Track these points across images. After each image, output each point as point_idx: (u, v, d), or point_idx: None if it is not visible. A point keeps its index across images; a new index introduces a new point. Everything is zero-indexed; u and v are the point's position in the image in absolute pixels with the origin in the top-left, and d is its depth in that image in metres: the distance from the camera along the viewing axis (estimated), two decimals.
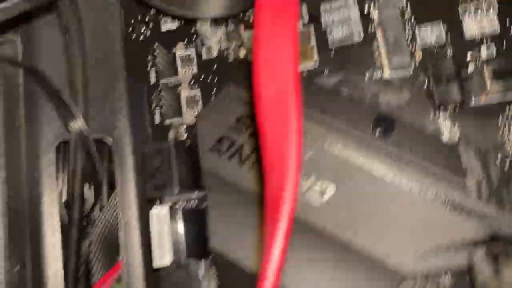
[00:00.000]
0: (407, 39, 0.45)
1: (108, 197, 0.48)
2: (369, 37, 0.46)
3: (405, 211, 0.41)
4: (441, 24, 0.44)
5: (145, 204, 0.44)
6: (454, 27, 0.44)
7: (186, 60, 0.50)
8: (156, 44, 0.50)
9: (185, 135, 0.48)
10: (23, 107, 0.47)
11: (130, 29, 0.52)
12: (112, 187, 0.47)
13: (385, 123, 0.42)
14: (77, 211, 0.45)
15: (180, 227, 0.41)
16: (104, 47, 0.51)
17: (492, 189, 0.40)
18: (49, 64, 0.47)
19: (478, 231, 0.39)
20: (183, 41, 0.50)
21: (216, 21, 0.49)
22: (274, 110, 0.24)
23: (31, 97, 0.47)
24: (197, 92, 0.49)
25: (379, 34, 0.45)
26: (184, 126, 0.48)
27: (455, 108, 0.42)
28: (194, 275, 0.42)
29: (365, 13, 0.46)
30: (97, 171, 0.46)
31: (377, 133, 0.42)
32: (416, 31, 0.45)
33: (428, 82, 0.42)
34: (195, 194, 0.44)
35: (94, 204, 0.48)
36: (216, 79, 0.48)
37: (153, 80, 0.50)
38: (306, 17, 0.48)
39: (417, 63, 0.44)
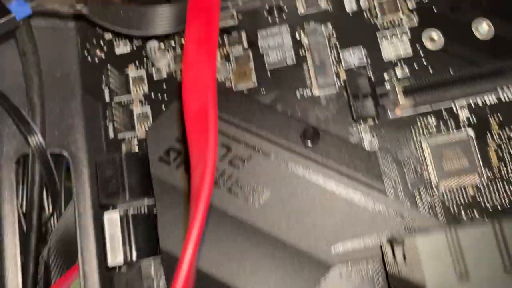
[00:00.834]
0: (332, 62, 0.51)
1: (65, 205, 0.52)
2: (300, 60, 0.52)
3: (332, 210, 0.47)
4: (362, 49, 0.51)
5: (100, 211, 0.48)
6: (374, 51, 0.51)
7: (138, 80, 0.55)
8: (109, 66, 0.55)
9: (137, 148, 0.53)
10: None
11: (86, 52, 0.57)
12: (69, 196, 0.51)
13: (312, 135, 0.48)
14: (36, 219, 0.49)
15: (131, 230, 0.46)
16: (62, 68, 0.56)
17: (407, 192, 0.47)
18: (10, 84, 0.51)
19: (393, 226, 0.45)
20: (135, 63, 0.55)
21: (165, 45, 0.54)
22: (196, 122, 0.29)
23: None
24: (147, 109, 0.54)
25: (308, 58, 0.52)
26: (136, 139, 0.53)
27: (375, 120, 0.49)
28: (145, 273, 0.47)
29: (297, 39, 0.53)
30: (54, 182, 0.49)
31: (306, 144, 0.48)
32: (341, 55, 0.52)
33: (349, 98, 0.49)
34: (146, 201, 0.49)
35: (52, 213, 0.52)
36: (165, 97, 0.54)
37: (107, 98, 0.55)
38: (245, 42, 0.54)
39: (341, 82, 0.51)
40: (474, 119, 0.48)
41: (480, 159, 0.47)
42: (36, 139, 0.48)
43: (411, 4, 0.52)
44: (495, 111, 0.48)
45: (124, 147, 0.53)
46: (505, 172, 0.47)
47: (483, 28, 0.50)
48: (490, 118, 0.48)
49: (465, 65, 0.49)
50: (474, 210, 0.46)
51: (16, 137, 0.51)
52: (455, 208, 0.46)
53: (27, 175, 0.50)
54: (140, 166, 0.49)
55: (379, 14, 0.52)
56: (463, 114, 0.48)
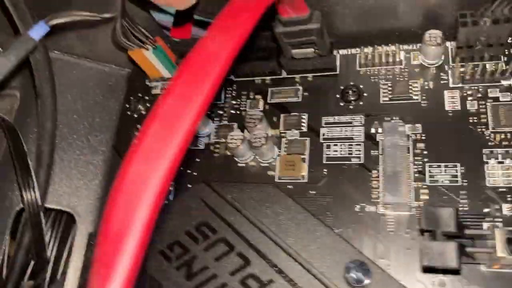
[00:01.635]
0: (412, 174, 0.38)
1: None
2: (369, 163, 0.40)
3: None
4: (458, 166, 0.37)
5: None
6: (474, 171, 0.37)
7: None
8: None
9: None
10: None
11: (128, 104, 0.49)
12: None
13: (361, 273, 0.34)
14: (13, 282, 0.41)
15: None
16: (99, 115, 0.49)
17: None
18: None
19: None
20: None
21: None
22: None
23: None
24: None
25: (380, 162, 0.39)
26: None
27: (456, 273, 0.34)
28: None
29: (371, 134, 0.40)
30: (43, 249, 0.41)
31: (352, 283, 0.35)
32: (426, 167, 0.38)
33: (422, 232, 0.35)
34: None
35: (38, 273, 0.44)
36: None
37: None
38: (305, 126, 0.43)
39: (418, 205, 0.37)
40: None
41: None
42: (32, 196, 0.40)
43: None
44: None
45: None
46: None
47: None
48: None
49: None
50: None
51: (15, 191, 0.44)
52: None
53: (17, 231, 0.43)
54: None
55: (491, 124, 0.38)
56: None
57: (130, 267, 0.18)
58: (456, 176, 0.37)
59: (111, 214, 0.19)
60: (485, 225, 0.35)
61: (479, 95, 0.39)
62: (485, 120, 0.38)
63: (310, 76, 0.45)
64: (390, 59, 0.43)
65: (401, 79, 0.42)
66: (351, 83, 0.43)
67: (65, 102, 0.48)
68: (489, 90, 0.39)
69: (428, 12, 0.42)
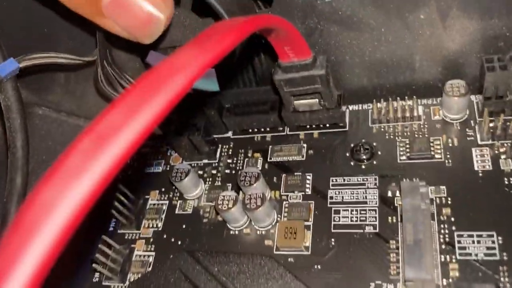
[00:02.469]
0: (438, 246, 0.31)
1: None
2: (385, 231, 0.33)
3: None
4: (495, 236, 0.30)
5: None
6: None
7: (154, 212, 0.40)
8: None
9: None
10: None
11: None
12: None
13: None
14: None
15: None
16: None
17: None
18: None
19: None
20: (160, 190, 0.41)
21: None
22: None
23: None
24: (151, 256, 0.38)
25: (398, 230, 0.32)
26: None
27: None
28: None
29: (387, 198, 0.34)
30: None
31: None
32: (455, 237, 0.31)
33: None
34: None
35: None
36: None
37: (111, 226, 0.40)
38: (309, 188, 0.37)
39: (448, 283, 0.29)
40: None
41: None
42: None
43: None
44: None
45: None
46: None
47: None
48: None
49: None
50: None
51: None
52: None
53: None
54: None
55: None
56: None
57: None
58: (493, 248, 0.30)
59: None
60: None
61: None
62: None
63: (315, 132, 0.40)
64: (408, 114, 0.38)
65: (421, 136, 0.37)
66: (363, 140, 0.38)
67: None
68: None
69: (448, 62, 0.37)
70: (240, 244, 0.36)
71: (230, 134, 0.43)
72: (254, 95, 0.41)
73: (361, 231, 0.33)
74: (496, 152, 0.34)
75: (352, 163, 0.37)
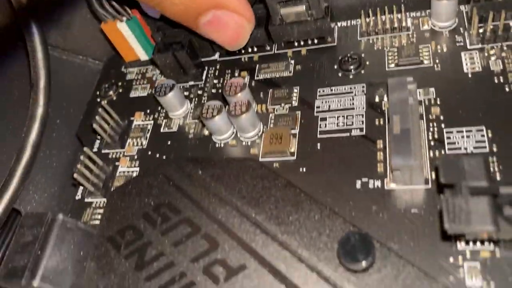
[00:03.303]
0: (427, 140, 0.30)
1: None
2: (372, 132, 0.32)
3: None
4: (485, 130, 0.30)
5: None
6: (502, 134, 0.29)
7: (139, 130, 0.39)
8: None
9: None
10: None
11: (99, 92, 0.44)
12: None
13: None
14: None
15: None
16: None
17: None
18: None
19: None
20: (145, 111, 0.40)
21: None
22: None
23: None
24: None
25: (386, 125, 0.31)
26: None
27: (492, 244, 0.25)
28: None
29: (375, 103, 0.33)
30: None
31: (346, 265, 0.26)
32: (444, 133, 0.30)
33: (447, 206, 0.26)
34: None
35: None
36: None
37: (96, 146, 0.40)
38: (295, 99, 0.36)
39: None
40: None
41: None
42: None
43: None
44: None
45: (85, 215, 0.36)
46: None
47: None
48: None
49: None
50: None
51: None
52: None
53: None
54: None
55: None
56: None
57: None
58: (482, 141, 0.29)
59: None
60: None
61: (504, 54, 0.33)
62: None
63: (303, 49, 0.39)
64: (396, 25, 0.37)
65: (409, 44, 0.36)
66: (351, 52, 0.37)
67: None
68: None
69: None
70: (225, 155, 0.35)
71: (217, 56, 0.42)
72: None
73: (348, 134, 0.33)
74: (486, 54, 0.33)
75: (339, 74, 0.36)
